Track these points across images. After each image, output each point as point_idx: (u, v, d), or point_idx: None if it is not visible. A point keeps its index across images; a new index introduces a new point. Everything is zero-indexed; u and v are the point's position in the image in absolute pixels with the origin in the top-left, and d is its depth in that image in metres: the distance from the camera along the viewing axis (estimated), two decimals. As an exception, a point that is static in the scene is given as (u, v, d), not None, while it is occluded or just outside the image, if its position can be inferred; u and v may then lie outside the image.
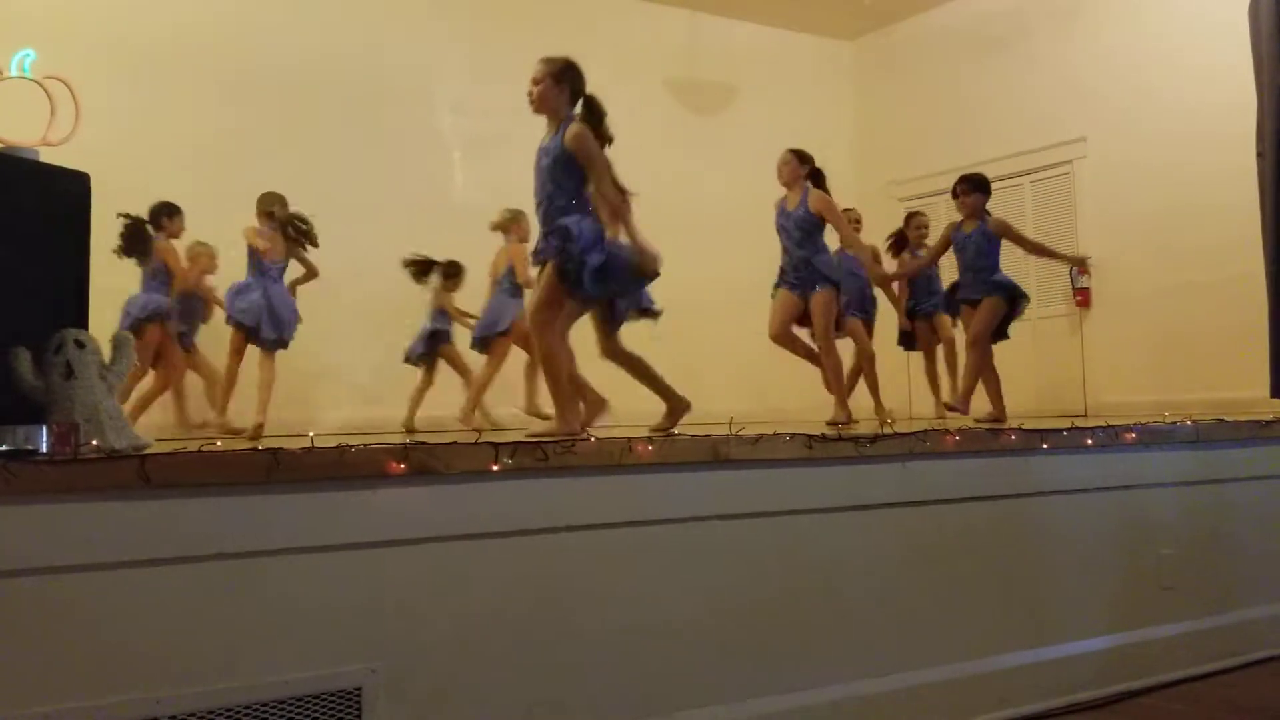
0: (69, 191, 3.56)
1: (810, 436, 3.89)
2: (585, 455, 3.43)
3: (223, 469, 2.93)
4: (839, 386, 6.15)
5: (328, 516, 3.04)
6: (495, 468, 3.26)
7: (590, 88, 8.89)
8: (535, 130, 8.04)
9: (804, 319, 6.04)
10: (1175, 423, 4.96)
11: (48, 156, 3.68)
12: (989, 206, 6.26)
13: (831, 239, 6.17)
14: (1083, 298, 8.52)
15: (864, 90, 10.44)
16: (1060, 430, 4.59)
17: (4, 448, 2.90)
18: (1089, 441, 4.60)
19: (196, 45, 6.69)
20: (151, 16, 7.02)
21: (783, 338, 6.05)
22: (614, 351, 4.56)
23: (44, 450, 2.90)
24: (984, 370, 6.18)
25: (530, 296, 4.93)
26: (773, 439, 3.82)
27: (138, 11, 7.03)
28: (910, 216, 7.60)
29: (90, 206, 3.72)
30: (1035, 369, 7.41)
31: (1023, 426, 4.64)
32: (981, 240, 6.17)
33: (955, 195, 6.29)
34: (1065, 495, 4.51)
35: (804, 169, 6.07)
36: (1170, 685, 4.56)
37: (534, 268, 4.50)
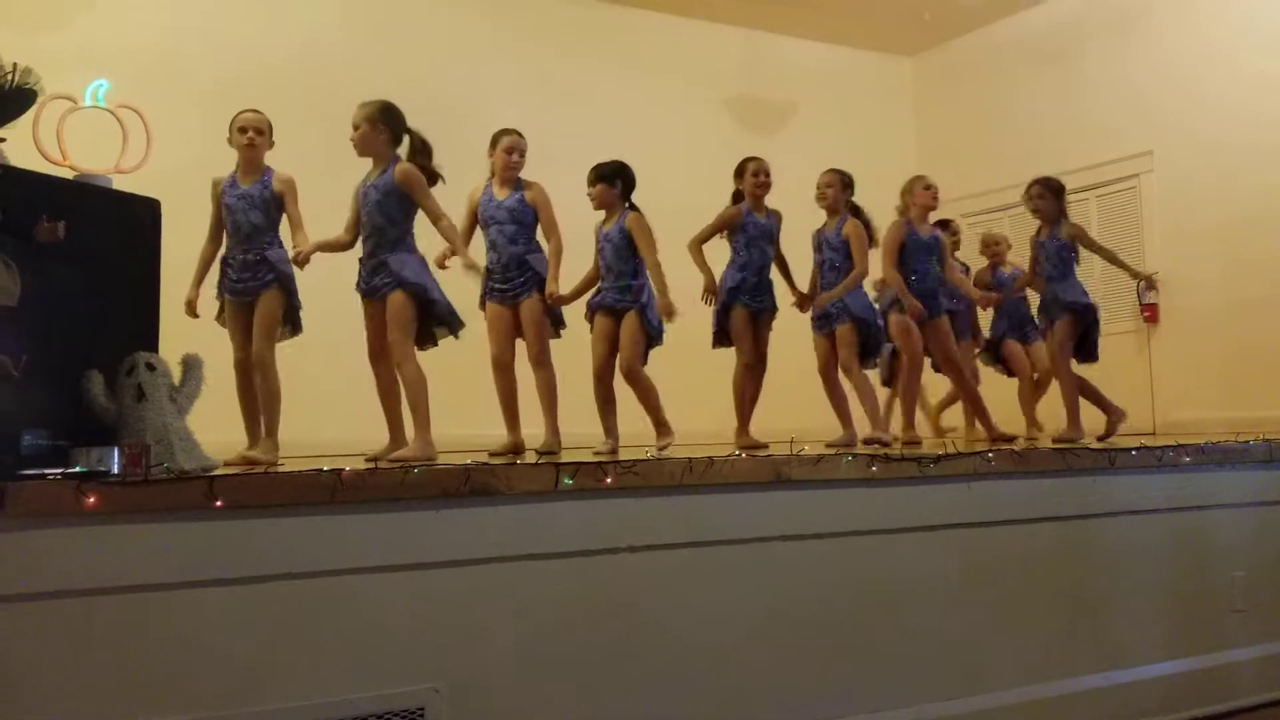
0: (141, 217, 3.64)
1: (872, 456, 3.87)
2: (646, 476, 3.44)
3: (288, 490, 2.98)
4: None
5: (391, 537, 3.07)
6: (556, 488, 3.28)
7: (650, 107, 8.94)
8: (596, 151, 8.08)
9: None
10: (1248, 441, 4.86)
11: (120, 183, 3.76)
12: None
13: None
14: (1150, 313, 8.37)
15: (924, 106, 10.35)
16: (1129, 449, 4.52)
17: (77, 469, 2.96)
18: (1158, 461, 4.52)
19: (265, 74, 6.80)
20: (222, 46, 7.15)
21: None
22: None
23: (115, 471, 2.95)
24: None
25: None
26: (834, 459, 3.81)
27: (209, 41, 7.17)
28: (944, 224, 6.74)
29: (161, 231, 3.80)
30: (1102, 386, 7.24)
31: (1090, 446, 4.57)
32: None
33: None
34: (1134, 516, 4.43)
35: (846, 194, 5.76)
36: (1244, 711, 4.47)
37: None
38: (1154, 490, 4.49)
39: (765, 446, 5.07)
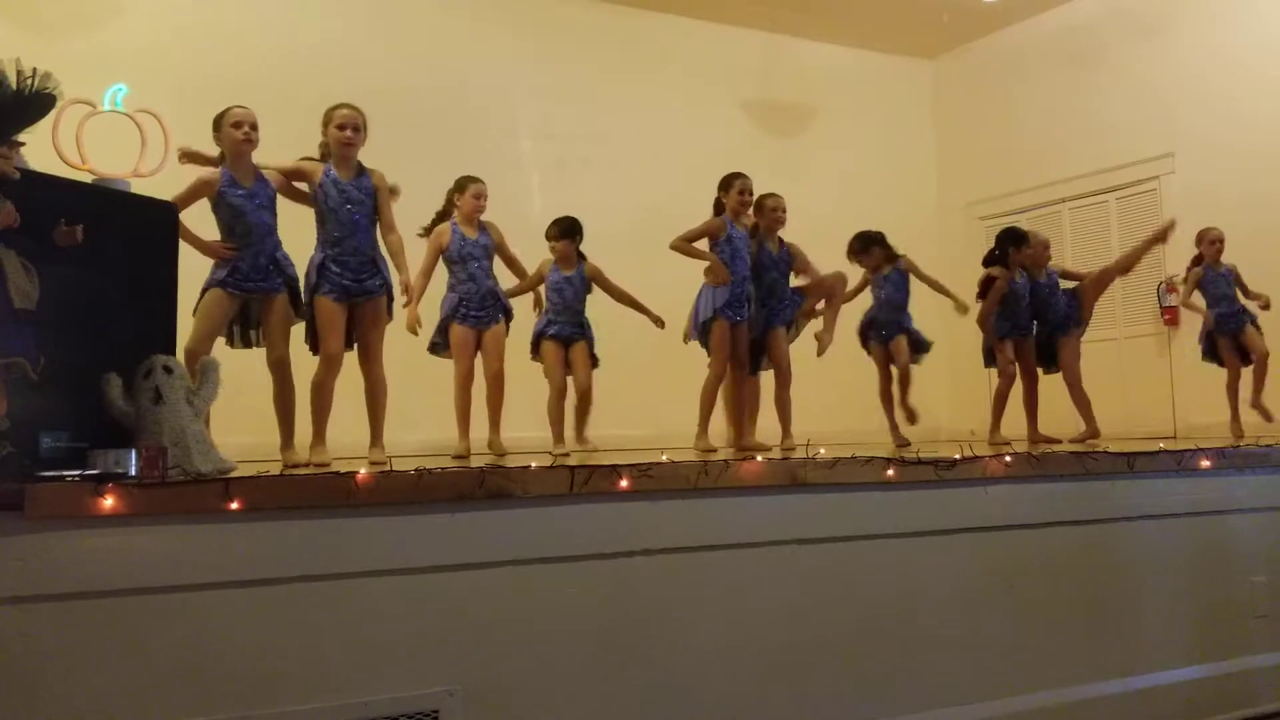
0: (158, 221, 3.66)
1: (889, 460, 3.85)
2: (661, 479, 3.43)
3: (304, 492, 2.99)
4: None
5: (406, 539, 3.08)
6: (571, 492, 3.28)
7: (669, 111, 8.97)
8: (615, 154, 8.09)
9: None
10: (1269, 445, 4.82)
11: (138, 187, 3.78)
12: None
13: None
14: (1171, 316, 8.32)
15: (944, 109, 10.32)
16: (1148, 453, 4.49)
17: (94, 471, 2.98)
18: (1178, 464, 4.49)
19: (282, 76, 6.83)
20: (239, 49, 7.19)
21: None
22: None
23: (133, 473, 2.97)
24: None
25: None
26: (850, 462, 3.79)
27: (226, 44, 7.21)
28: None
29: (179, 235, 3.82)
30: (1122, 389, 7.25)
31: (1109, 449, 4.54)
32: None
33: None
34: (1153, 520, 4.40)
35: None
36: (1265, 717, 4.43)
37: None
38: (1174, 494, 4.45)
39: (768, 449, 5.29)
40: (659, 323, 5.67)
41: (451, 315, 5.36)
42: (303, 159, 4.60)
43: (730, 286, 5.45)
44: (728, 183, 5.59)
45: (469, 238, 5.37)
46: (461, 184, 5.43)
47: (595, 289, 5.81)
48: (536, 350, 5.76)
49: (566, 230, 5.71)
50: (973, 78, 10.10)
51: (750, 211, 5.69)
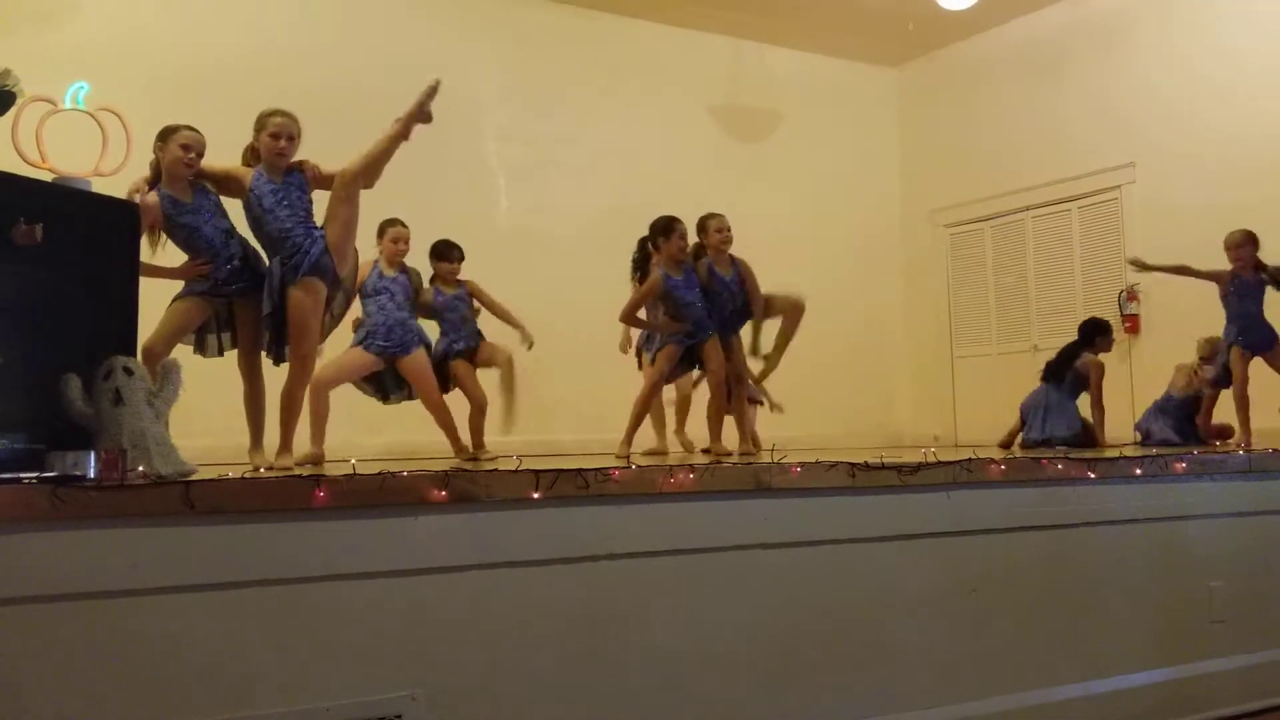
0: (119, 220, 3.62)
1: (853, 465, 3.86)
2: (626, 483, 3.42)
3: (266, 495, 2.96)
4: None
5: (369, 543, 3.05)
6: (536, 495, 3.26)
7: (636, 115, 9.00)
8: (583, 158, 8.09)
9: None
10: (1227, 452, 4.87)
11: (100, 186, 3.74)
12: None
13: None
14: (1131, 324, 8.41)
15: (908, 117, 10.39)
16: (1109, 459, 4.53)
17: (53, 473, 2.94)
18: (1138, 471, 4.53)
19: (248, 75, 6.78)
20: (203, 48, 7.14)
21: None
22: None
23: (92, 476, 2.93)
24: None
25: None
26: (815, 466, 3.80)
27: (190, 43, 7.16)
28: None
29: (140, 235, 3.78)
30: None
31: (1069, 455, 4.58)
32: None
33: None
34: (1113, 525, 4.43)
35: None
36: (1222, 721, 4.48)
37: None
38: (1133, 500, 4.49)
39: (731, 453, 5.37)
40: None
41: (358, 343, 5.50)
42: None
43: (685, 323, 5.38)
44: (668, 228, 5.29)
45: (386, 275, 5.54)
46: (381, 228, 5.55)
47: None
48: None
49: (461, 255, 5.84)
50: (937, 86, 10.18)
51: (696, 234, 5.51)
